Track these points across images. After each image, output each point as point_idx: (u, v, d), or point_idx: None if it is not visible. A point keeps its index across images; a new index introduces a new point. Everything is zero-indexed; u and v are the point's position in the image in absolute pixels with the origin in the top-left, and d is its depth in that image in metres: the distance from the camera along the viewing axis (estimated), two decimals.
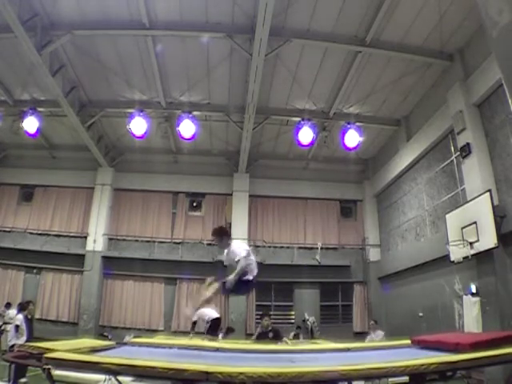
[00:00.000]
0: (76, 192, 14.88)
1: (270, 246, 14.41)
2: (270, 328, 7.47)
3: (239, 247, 5.01)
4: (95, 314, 13.25)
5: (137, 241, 14.46)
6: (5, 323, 8.46)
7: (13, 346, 7.22)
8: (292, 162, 15.07)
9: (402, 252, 12.68)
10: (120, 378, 3.65)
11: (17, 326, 7.69)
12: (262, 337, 7.38)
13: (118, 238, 14.45)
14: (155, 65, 10.25)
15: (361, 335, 13.42)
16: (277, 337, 7.17)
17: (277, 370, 2.86)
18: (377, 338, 9.59)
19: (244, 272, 4.76)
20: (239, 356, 4.18)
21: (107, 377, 5.34)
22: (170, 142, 14.05)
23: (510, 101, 4.68)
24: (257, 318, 13.22)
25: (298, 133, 11.53)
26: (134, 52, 10.07)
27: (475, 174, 8.68)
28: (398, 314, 11.21)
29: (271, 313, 12.52)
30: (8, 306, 9.02)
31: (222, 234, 5.18)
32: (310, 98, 11.66)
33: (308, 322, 13.31)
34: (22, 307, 8.24)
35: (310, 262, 14.13)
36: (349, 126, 11.66)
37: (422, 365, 2.90)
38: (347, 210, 15.57)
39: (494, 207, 7.77)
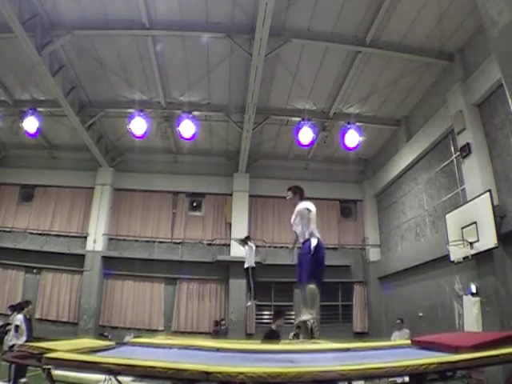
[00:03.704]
0: (76, 192, 14.87)
1: (270, 246, 14.40)
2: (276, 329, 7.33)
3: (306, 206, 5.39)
4: (95, 314, 13.24)
5: (137, 241, 14.47)
6: (8, 323, 8.51)
7: (12, 345, 7.21)
8: (292, 162, 15.07)
9: (402, 252, 12.68)
10: (120, 378, 3.65)
11: (17, 326, 7.67)
12: (270, 337, 7.22)
13: (118, 238, 14.45)
14: (155, 65, 10.25)
15: (361, 335, 13.44)
16: (272, 338, 7.01)
17: (277, 369, 2.85)
18: (403, 336, 9.10)
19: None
20: (239, 356, 4.18)
21: (107, 377, 5.33)
22: (170, 141, 14.05)
23: (510, 101, 4.68)
24: (257, 318, 13.21)
25: (298, 133, 11.54)
26: (133, 52, 10.08)
27: (475, 174, 8.68)
28: (398, 314, 11.19)
29: (271, 313, 12.50)
30: (12, 308, 9.08)
31: (298, 192, 5.72)
32: (310, 98, 11.66)
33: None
34: (21, 307, 8.23)
35: None
36: (349, 126, 11.67)
37: (422, 365, 2.89)
38: (347, 210, 15.58)
39: (493, 207, 7.77)
